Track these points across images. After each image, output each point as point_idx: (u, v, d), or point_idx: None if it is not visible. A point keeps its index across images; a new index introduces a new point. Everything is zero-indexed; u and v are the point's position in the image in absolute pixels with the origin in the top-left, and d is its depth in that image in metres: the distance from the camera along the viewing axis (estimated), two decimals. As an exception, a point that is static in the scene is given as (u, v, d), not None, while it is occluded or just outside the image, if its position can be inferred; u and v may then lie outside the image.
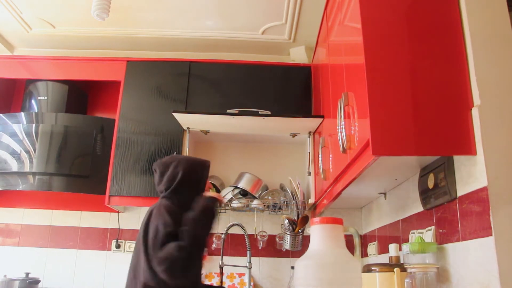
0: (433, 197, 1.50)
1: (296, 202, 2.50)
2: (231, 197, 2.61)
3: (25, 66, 2.86)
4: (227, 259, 2.62)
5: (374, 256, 2.34)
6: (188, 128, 2.61)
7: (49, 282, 2.71)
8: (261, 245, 2.66)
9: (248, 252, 2.52)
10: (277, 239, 2.67)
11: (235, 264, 2.53)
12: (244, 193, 2.65)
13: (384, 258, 2.10)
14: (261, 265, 2.71)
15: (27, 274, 2.56)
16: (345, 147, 1.52)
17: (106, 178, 2.57)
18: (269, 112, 2.52)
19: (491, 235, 1.13)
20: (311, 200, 2.46)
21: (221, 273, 2.47)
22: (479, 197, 1.20)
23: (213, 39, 2.95)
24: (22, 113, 2.68)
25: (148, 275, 1.54)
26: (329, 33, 2.12)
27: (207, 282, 2.61)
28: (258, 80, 2.75)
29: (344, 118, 1.53)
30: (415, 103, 1.30)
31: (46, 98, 2.81)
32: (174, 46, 3.06)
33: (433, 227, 1.52)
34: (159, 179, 1.78)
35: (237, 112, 2.50)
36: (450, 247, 1.38)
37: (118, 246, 2.77)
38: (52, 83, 2.84)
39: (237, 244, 2.73)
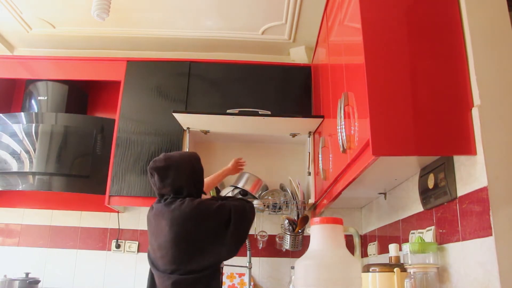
0: (433, 197, 1.50)
1: (296, 202, 2.50)
2: (231, 197, 2.61)
3: (25, 66, 2.86)
4: (227, 259, 2.62)
5: (374, 256, 2.34)
6: (188, 128, 2.61)
7: (49, 282, 2.71)
8: (261, 245, 2.66)
9: (248, 252, 2.52)
10: (277, 239, 2.67)
11: (235, 264, 2.52)
12: (244, 193, 2.65)
13: (384, 258, 2.10)
14: (261, 265, 2.71)
15: (27, 274, 2.56)
16: (345, 147, 1.52)
17: (106, 178, 2.57)
18: (269, 112, 2.52)
19: (491, 235, 1.13)
20: (311, 200, 2.46)
21: (221, 273, 2.47)
22: (479, 197, 1.20)
23: (213, 39, 2.95)
24: (22, 113, 2.68)
25: (223, 253, 1.74)
26: (329, 33, 2.12)
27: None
28: (258, 80, 2.75)
29: (344, 118, 1.53)
30: (415, 103, 1.30)
31: (46, 98, 2.81)
32: (174, 46, 3.06)
33: (433, 227, 1.52)
34: (161, 183, 1.77)
35: (237, 112, 2.50)
36: (450, 247, 1.38)
37: (118, 246, 2.77)
38: (52, 83, 2.84)
39: (237, 244, 2.73)
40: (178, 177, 1.76)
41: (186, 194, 1.77)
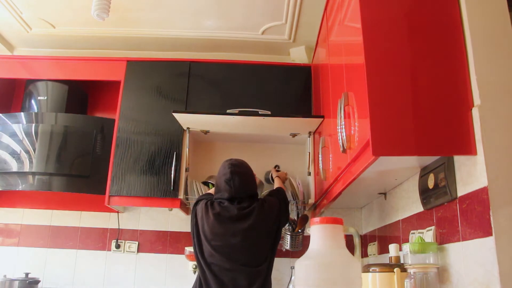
0: (433, 197, 1.50)
1: (296, 202, 2.49)
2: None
3: (25, 66, 2.86)
4: (227, 259, 2.61)
5: (374, 256, 2.34)
6: (188, 128, 2.61)
7: (49, 282, 2.71)
8: (261, 245, 2.66)
9: (248, 252, 2.51)
10: (277, 239, 2.67)
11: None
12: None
13: (384, 258, 2.10)
14: (261, 265, 2.71)
15: (27, 274, 2.56)
16: (345, 147, 1.52)
17: (106, 178, 2.56)
18: (269, 112, 2.52)
19: (491, 235, 1.13)
20: (311, 200, 2.46)
21: None
22: (479, 197, 1.20)
23: (213, 39, 2.95)
24: (22, 113, 2.68)
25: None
26: (329, 33, 2.12)
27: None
28: (258, 80, 2.75)
29: (344, 118, 1.53)
30: (415, 103, 1.30)
31: (46, 98, 2.81)
32: (174, 46, 3.06)
33: (433, 227, 1.52)
34: (240, 186, 2.02)
35: (237, 112, 2.50)
36: (450, 247, 1.38)
37: (118, 246, 2.77)
38: (52, 83, 2.84)
39: (237, 244, 2.72)
40: (252, 182, 2.10)
41: (256, 197, 2.08)
